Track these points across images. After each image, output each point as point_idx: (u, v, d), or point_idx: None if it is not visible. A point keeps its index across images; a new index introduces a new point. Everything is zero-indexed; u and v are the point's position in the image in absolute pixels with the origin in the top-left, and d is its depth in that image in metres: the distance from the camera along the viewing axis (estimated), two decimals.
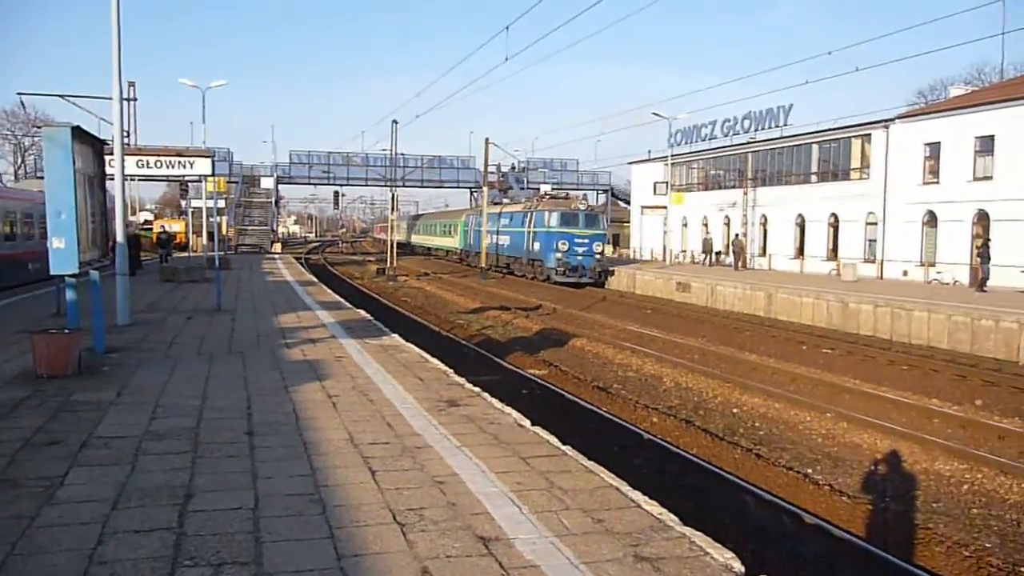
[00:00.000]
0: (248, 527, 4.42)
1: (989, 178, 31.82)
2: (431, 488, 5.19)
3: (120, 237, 13.55)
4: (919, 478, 8.88)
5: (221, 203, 38.10)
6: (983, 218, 31.94)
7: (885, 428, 10.64)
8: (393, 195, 45.27)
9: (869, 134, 38.23)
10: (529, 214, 38.11)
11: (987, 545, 6.97)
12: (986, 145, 32.14)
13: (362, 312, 16.97)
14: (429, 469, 5.61)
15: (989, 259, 26.73)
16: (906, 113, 38.72)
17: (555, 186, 64.10)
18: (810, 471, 9.06)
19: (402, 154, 55.51)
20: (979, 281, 26.89)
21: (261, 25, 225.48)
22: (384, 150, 55.22)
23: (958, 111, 34.32)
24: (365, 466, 5.65)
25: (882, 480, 8.79)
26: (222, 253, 28.89)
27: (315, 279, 28.60)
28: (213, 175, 25.10)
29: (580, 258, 34.19)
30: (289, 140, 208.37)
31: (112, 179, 14.13)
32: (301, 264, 40.24)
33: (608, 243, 41.39)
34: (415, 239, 72.56)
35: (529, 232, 37.66)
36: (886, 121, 37.14)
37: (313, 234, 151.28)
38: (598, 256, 34.80)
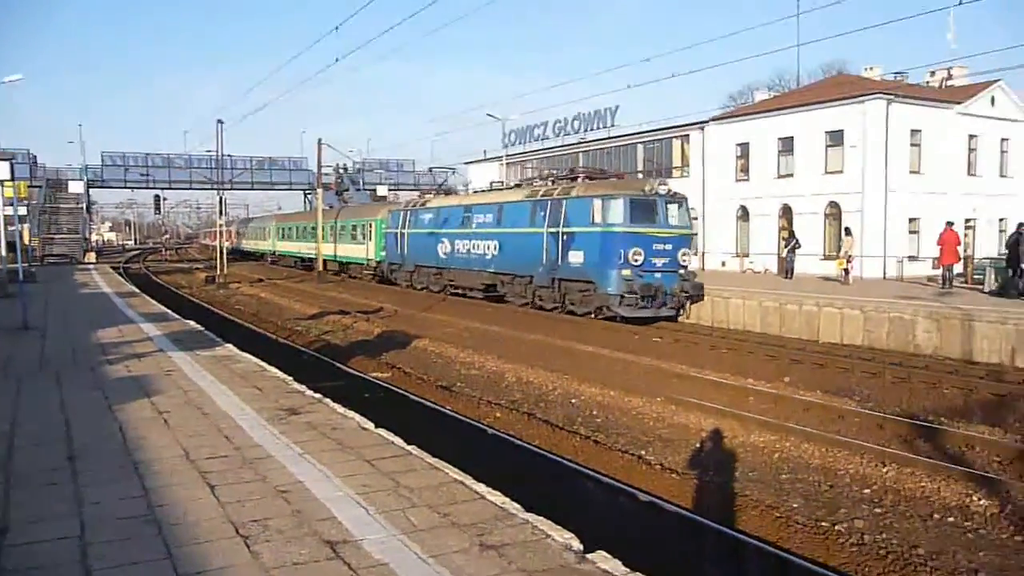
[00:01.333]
0: (75, 556, 4.17)
1: (790, 175, 35.02)
2: (275, 498, 5.10)
3: None
4: (737, 451, 9.69)
5: (22, 210, 34.76)
6: (787, 212, 35.11)
7: (708, 408, 11.49)
8: (221, 198, 43.26)
9: (688, 135, 40.90)
10: (549, 204, 23.02)
11: (794, 506, 7.74)
12: (787, 145, 35.34)
13: (191, 323, 16.16)
14: (272, 479, 5.51)
15: (798, 248, 29.51)
16: (719, 116, 41.74)
17: (392, 187, 63.64)
18: (643, 452, 9.64)
19: (229, 155, 53.16)
20: (786, 270, 29.58)
21: (66, 15, 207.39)
22: (209, 151, 52.60)
23: (762, 115, 37.48)
24: (203, 481, 5.46)
25: (706, 455, 9.51)
26: (26, 265, 26.41)
27: (137, 290, 26.83)
28: (13, 179, 22.85)
29: (659, 276, 20.74)
30: (101, 141, 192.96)
31: None
32: (120, 274, 37.54)
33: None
34: (281, 247, 56.16)
35: (554, 235, 22.63)
36: (702, 123, 39.89)
37: (132, 241, 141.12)
38: (682, 270, 21.35)
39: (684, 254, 21.34)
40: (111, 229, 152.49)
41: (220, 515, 4.77)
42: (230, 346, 12.63)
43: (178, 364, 10.69)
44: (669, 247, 21.00)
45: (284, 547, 4.27)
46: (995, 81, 37.01)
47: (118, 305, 20.38)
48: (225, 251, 43.22)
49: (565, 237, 22.20)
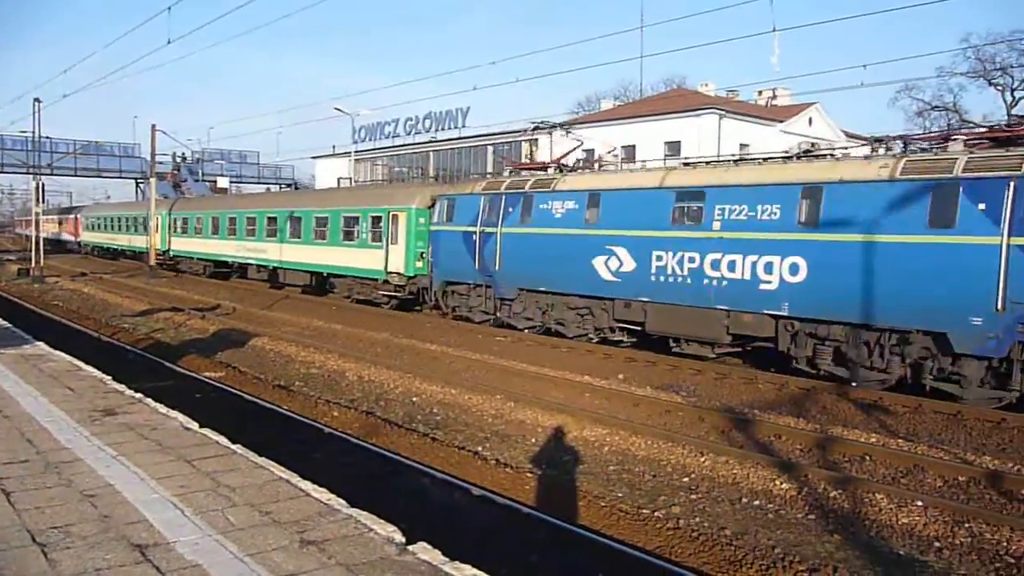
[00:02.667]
0: None
1: None
2: (80, 503, 4.80)
3: None
4: (571, 445, 10.07)
5: None
6: None
7: (545, 404, 11.85)
8: (38, 184, 39.70)
9: (536, 139, 41.89)
10: None
11: (619, 495, 8.16)
12: (630, 152, 37.00)
13: None
14: (78, 483, 5.17)
15: None
16: (566, 122, 43.08)
17: (234, 179, 61.03)
18: (480, 448, 9.81)
19: (48, 137, 48.82)
20: None
21: None
22: (24, 132, 48.09)
23: (608, 122, 39.11)
24: None
25: (540, 450, 9.82)
26: None
27: None
28: None
29: None
30: None
31: None
32: None
33: None
34: (191, 246, 37.63)
35: None
36: (550, 128, 40.99)
37: None
38: None
39: None
40: None
41: (15, 523, 4.43)
42: (41, 344, 11.68)
43: None
44: None
45: (87, 553, 4.03)
46: (812, 103, 40.57)
47: None
48: (42, 242, 39.60)
49: None
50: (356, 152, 48.12)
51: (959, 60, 49.88)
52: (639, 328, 16.59)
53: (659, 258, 15.73)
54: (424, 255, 22.20)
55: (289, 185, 69.20)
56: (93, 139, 61.16)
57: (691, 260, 15.22)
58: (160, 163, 44.51)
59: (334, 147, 56.79)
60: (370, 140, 51.18)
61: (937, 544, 7.05)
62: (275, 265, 29.84)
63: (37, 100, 36.16)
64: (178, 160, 57.92)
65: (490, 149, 45.08)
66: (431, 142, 47.91)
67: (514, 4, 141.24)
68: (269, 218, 30.25)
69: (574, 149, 22.03)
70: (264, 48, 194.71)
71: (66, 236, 60.01)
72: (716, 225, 14.92)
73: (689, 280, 15.20)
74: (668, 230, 15.66)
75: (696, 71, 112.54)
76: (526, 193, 18.86)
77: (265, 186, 66.62)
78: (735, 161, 16.31)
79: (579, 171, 19.65)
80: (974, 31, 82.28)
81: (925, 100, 53.27)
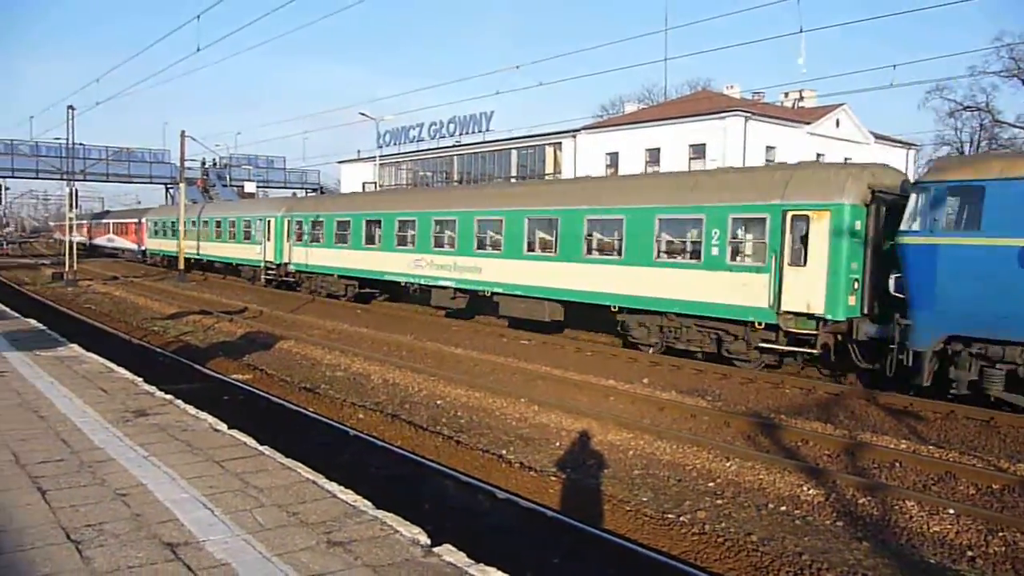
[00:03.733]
0: None
1: None
2: (113, 502, 4.89)
3: None
4: (595, 448, 10.04)
5: None
6: None
7: (569, 408, 11.83)
8: (72, 190, 40.48)
9: (560, 142, 41.95)
10: None
11: (644, 500, 8.13)
12: (654, 156, 36.90)
13: (33, 321, 15.11)
14: (111, 483, 5.27)
15: None
16: (590, 125, 43.05)
17: (261, 184, 61.72)
18: (504, 452, 9.83)
19: (81, 144, 49.65)
20: None
21: None
22: (59, 139, 48.98)
23: (632, 126, 38.98)
24: (34, 486, 5.15)
25: (564, 454, 9.81)
26: None
27: None
28: None
29: None
30: None
31: None
32: None
33: None
34: (307, 257, 28.75)
35: None
36: (574, 131, 41.01)
37: None
38: None
39: None
40: None
41: (50, 520, 4.53)
42: (75, 346, 11.90)
43: (14, 365, 9.97)
44: None
45: (119, 551, 4.11)
46: (840, 105, 40.14)
47: None
48: (75, 246, 40.31)
49: None
50: (381, 157, 48.45)
51: (992, 59, 48.76)
52: None
53: None
54: (858, 284, 13.61)
55: (315, 190, 69.76)
56: (124, 145, 62.20)
57: None
58: (189, 168, 45.17)
59: (359, 152, 57.29)
60: (395, 144, 51.49)
61: (970, 553, 6.95)
62: (496, 290, 20.29)
63: (71, 108, 36.88)
64: (207, 166, 58.66)
65: (514, 153, 45.15)
66: (455, 146, 48.04)
67: (538, 8, 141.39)
68: (481, 222, 21.00)
69: None
70: (291, 54, 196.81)
71: (125, 243, 54.05)
72: None
73: None
74: None
75: (721, 73, 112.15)
76: None
77: (291, 191, 67.20)
78: None
79: None
80: (1007, 29, 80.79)
81: (957, 100, 52.35)
